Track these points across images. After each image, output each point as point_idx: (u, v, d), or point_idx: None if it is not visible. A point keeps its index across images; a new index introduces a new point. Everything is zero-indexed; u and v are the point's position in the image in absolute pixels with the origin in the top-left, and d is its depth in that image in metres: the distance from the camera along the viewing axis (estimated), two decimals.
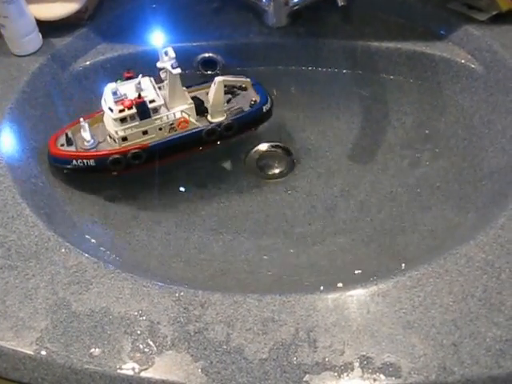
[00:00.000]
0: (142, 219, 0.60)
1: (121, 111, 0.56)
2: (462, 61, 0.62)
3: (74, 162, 0.58)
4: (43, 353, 0.42)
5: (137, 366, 0.41)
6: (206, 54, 0.67)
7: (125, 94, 0.56)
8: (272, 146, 0.68)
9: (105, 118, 0.59)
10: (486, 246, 0.46)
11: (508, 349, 0.40)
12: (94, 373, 0.41)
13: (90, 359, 0.41)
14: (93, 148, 0.59)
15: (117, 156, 0.58)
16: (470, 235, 0.48)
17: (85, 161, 0.58)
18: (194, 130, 0.60)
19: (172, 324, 0.43)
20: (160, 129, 0.59)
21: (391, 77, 0.66)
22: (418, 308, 0.43)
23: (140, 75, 0.58)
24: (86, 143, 0.59)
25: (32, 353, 0.42)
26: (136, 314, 0.44)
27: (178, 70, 0.56)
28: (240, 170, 0.65)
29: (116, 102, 0.56)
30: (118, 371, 0.41)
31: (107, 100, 0.57)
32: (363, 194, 0.64)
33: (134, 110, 0.56)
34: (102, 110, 0.59)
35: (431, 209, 0.60)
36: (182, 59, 0.66)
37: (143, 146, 0.59)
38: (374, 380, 0.40)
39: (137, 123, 0.57)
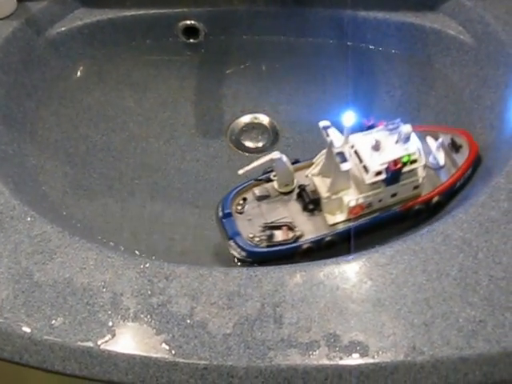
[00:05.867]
0: (116, 190, 0.59)
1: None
2: (453, 33, 0.60)
3: None
4: (3, 322, 0.41)
5: (98, 339, 0.40)
6: (188, 21, 0.64)
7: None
8: (255, 118, 0.66)
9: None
10: (464, 224, 0.44)
11: (480, 330, 0.39)
12: (54, 344, 0.40)
13: (50, 330, 0.41)
14: None
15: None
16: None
17: None
18: None
19: (135, 296, 0.42)
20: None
21: (380, 48, 0.64)
22: (390, 286, 0.41)
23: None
24: None
25: None
26: (99, 285, 0.42)
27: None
28: (220, 142, 0.63)
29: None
30: (79, 343, 0.40)
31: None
32: None
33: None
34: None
35: None
36: (163, 26, 0.64)
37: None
38: (341, 358, 0.38)
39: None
